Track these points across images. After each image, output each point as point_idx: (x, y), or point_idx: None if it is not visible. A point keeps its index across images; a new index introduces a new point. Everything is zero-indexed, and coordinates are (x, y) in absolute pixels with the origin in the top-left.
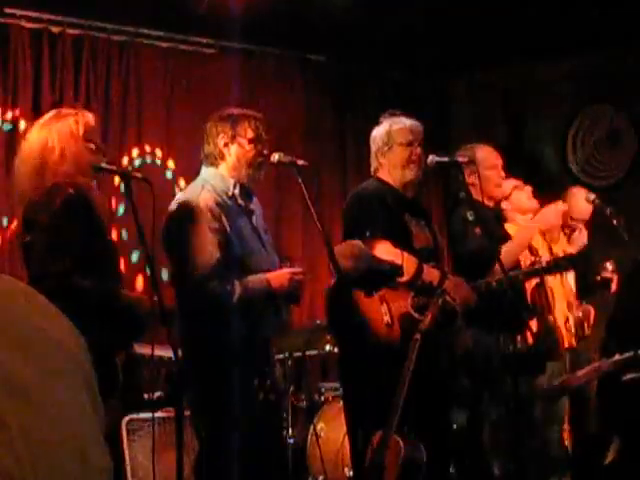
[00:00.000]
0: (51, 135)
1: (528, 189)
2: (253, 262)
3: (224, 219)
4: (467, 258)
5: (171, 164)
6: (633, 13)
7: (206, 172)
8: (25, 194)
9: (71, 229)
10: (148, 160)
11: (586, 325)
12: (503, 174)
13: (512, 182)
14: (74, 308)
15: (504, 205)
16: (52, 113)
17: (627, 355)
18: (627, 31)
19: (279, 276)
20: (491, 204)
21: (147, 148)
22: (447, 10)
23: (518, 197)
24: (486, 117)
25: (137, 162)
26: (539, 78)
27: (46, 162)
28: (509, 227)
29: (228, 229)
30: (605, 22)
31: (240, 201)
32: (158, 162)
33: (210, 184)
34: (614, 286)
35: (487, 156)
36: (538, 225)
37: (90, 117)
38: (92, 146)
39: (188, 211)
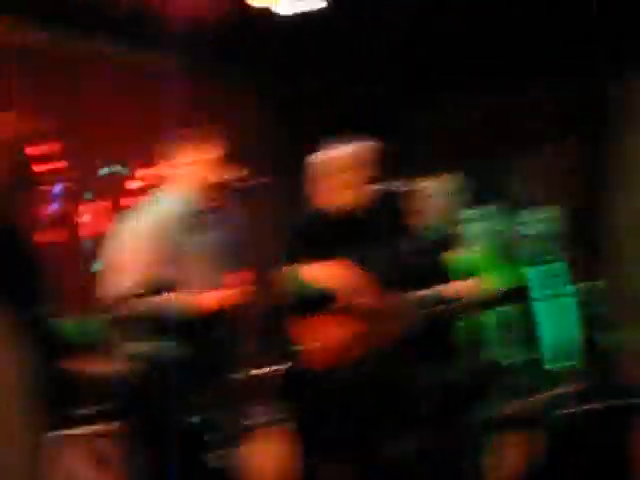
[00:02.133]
0: None
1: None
2: (189, 281)
3: (163, 240)
4: (400, 283)
5: None
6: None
7: (161, 191)
8: None
9: (8, 266)
10: None
11: None
12: (447, 204)
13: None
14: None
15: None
16: None
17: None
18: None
19: (209, 297)
20: (433, 232)
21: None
22: (407, 41)
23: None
24: (441, 149)
25: None
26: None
27: None
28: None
29: (172, 246)
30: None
31: (194, 219)
32: None
33: (160, 202)
34: None
35: (430, 187)
36: None
37: (15, 122)
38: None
39: (127, 229)
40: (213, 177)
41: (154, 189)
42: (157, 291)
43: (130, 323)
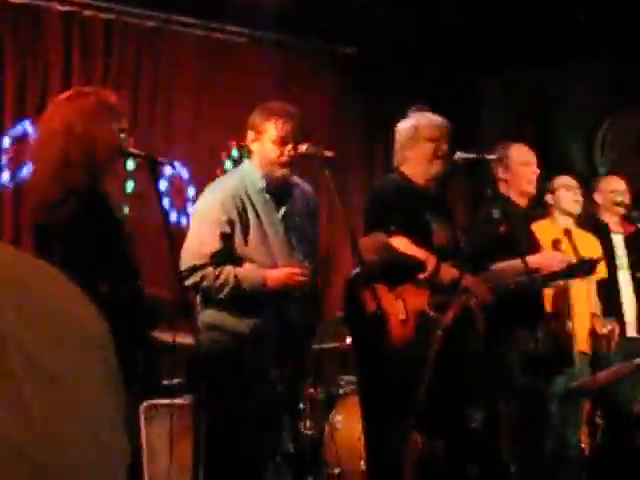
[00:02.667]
0: (73, 115)
1: (577, 193)
2: (259, 256)
3: (235, 213)
4: (485, 255)
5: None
6: None
7: (245, 162)
8: (42, 190)
9: (88, 238)
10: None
11: (612, 342)
12: (537, 171)
13: (563, 179)
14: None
15: (547, 198)
16: (73, 91)
17: None
18: None
19: (277, 274)
20: (523, 200)
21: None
22: (480, 8)
23: (564, 196)
24: (515, 117)
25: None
26: (569, 77)
27: (67, 152)
28: (541, 224)
29: (237, 222)
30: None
31: (267, 196)
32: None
33: (242, 174)
34: None
35: (521, 153)
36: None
37: (113, 97)
38: (118, 128)
39: (204, 200)
40: (291, 151)
41: (235, 162)
42: (227, 262)
43: (204, 292)
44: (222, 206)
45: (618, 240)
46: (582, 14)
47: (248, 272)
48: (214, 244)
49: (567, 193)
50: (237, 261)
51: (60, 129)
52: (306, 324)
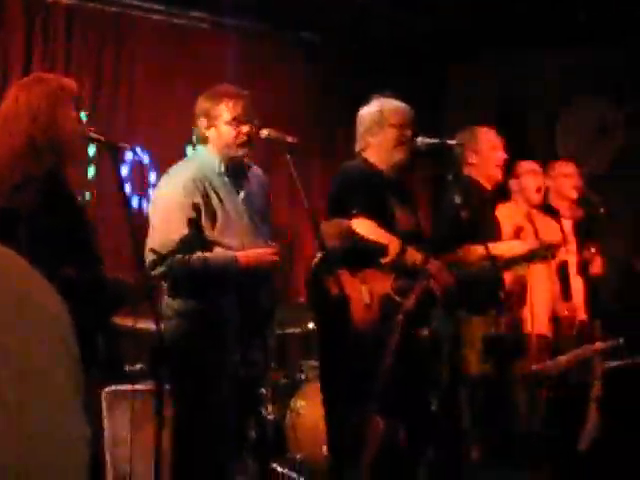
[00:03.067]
0: (35, 101)
1: (540, 180)
2: (227, 240)
3: (199, 196)
4: (448, 240)
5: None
6: (634, 7)
7: (197, 148)
8: (3, 174)
9: (50, 223)
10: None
11: (571, 322)
12: (505, 155)
13: (530, 165)
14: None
15: (511, 183)
16: (32, 76)
17: (610, 343)
18: (626, 24)
19: (248, 254)
20: (489, 184)
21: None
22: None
23: (527, 182)
24: (478, 102)
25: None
26: (535, 64)
27: (33, 139)
28: (504, 208)
29: (202, 206)
30: (606, 13)
31: (227, 179)
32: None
33: (198, 161)
34: (596, 268)
35: (489, 137)
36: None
37: (73, 83)
38: (79, 114)
39: (164, 187)
40: (244, 138)
41: (193, 147)
42: (195, 247)
43: (174, 280)
44: (185, 190)
45: (567, 225)
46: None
47: (218, 254)
48: (181, 229)
49: (531, 178)
50: (206, 246)
51: (25, 112)
52: (268, 308)
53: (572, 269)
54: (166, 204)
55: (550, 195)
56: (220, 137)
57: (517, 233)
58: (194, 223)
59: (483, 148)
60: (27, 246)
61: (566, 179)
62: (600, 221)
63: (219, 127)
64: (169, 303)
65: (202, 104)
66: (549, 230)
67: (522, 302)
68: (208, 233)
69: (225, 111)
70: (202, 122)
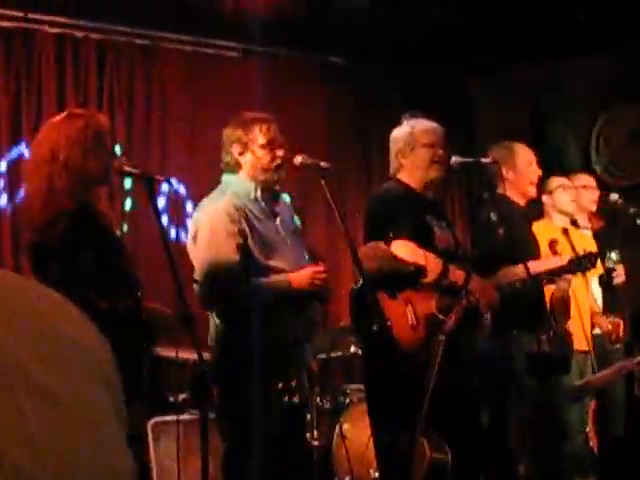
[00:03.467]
0: (59, 140)
1: (573, 192)
2: (276, 264)
3: (244, 223)
4: (487, 259)
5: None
6: None
7: (228, 178)
8: (33, 212)
9: (82, 257)
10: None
11: (614, 337)
12: (539, 171)
13: (559, 180)
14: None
15: (544, 199)
16: (65, 114)
17: None
18: None
19: (301, 275)
20: (523, 201)
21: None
22: (468, 10)
23: (561, 197)
24: (509, 117)
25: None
26: (563, 77)
27: (52, 179)
28: (539, 224)
29: (248, 233)
30: (630, 20)
31: (263, 204)
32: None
33: (232, 189)
34: (620, 277)
35: (525, 153)
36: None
37: (103, 118)
38: (108, 149)
39: (208, 216)
40: (279, 161)
41: (226, 174)
42: (248, 273)
43: (226, 308)
44: (229, 217)
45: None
46: (582, 14)
47: (273, 279)
48: (232, 256)
49: (564, 193)
50: (259, 271)
51: (46, 156)
52: (309, 333)
53: (594, 280)
54: (212, 233)
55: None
56: (256, 161)
57: (552, 247)
58: (242, 249)
59: (520, 164)
60: (58, 280)
61: (585, 191)
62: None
63: (255, 151)
64: (214, 332)
65: (233, 131)
66: (585, 245)
67: (566, 317)
68: (257, 259)
69: (260, 135)
70: (235, 149)
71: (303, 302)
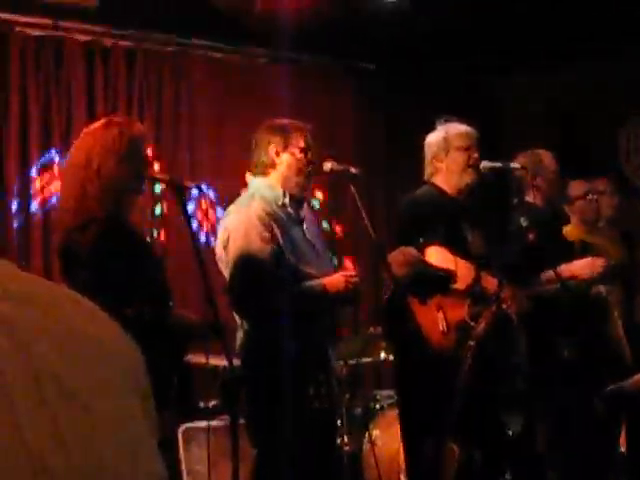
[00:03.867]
0: (94, 147)
1: (594, 201)
2: (307, 269)
3: (275, 228)
4: (517, 265)
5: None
6: None
7: (256, 182)
8: (65, 216)
9: (110, 264)
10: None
11: None
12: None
13: (583, 186)
14: None
15: (566, 207)
16: (102, 121)
17: None
18: None
19: (334, 280)
20: (549, 208)
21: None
22: (494, 13)
23: (581, 204)
24: (536, 119)
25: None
26: (591, 79)
27: (84, 185)
28: (567, 229)
29: (280, 238)
30: None
31: (291, 210)
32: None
33: (260, 194)
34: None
35: (551, 162)
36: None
37: (137, 126)
38: (141, 156)
39: (240, 221)
40: (312, 167)
41: (255, 178)
42: (277, 280)
43: (261, 313)
44: (260, 222)
45: None
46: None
47: (309, 284)
48: (267, 262)
49: (583, 201)
50: (297, 274)
51: (81, 162)
52: (332, 338)
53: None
54: (246, 239)
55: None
56: (293, 162)
57: (582, 249)
58: (276, 255)
59: (548, 172)
60: (87, 286)
61: (601, 197)
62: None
63: (294, 153)
64: (244, 338)
65: (271, 132)
66: (609, 252)
67: (602, 323)
68: (292, 263)
69: (300, 139)
70: (272, 148)
71: (334, 306)
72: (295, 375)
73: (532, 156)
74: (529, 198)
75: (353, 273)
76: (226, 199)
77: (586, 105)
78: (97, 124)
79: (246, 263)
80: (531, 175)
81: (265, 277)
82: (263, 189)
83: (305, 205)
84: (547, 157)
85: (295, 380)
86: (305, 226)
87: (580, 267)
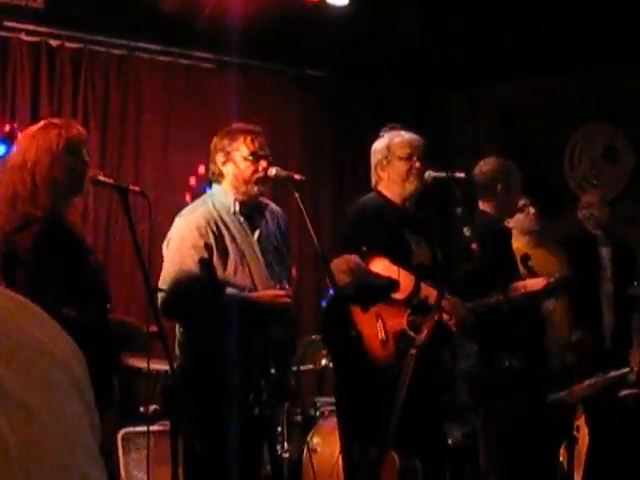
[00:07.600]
0: (30, 151)
1: (532, 211)
2: (238, 279)
3: (212, 237)
4: (466, 277)
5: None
6: (633, 31)
7: (213, 188)
8: (2, 218)
9: (49, 263)
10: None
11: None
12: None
13: (521, 199)
14: None
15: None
16: (42, 123)
17: (623, 371)
18: (626, 48)
19: (260, 296)
20: (508, 220)
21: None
22: (446, 26)
23: (519, 217)
24: (486, 133)
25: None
26: (539, 94)
27: (15, 186)
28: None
29: (214, 246)
30: (605, 39)
31: (242, 219)
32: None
33: (212, 200)
34: None
35: (517, 169)
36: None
37: (77, 129)
38: (82, 160)
39: (178, 227)
40: (262, 173)
41: (208, 185)
42: (207, 287)
43: (188, 318)
44: (198, 231)
45: (605, 253)
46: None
47: (231, 294)
48: (193, 269)
49: (520, 215)
50: (218, 285)
51: (16, 164)
52: (284, 347)
53: (608, 297)
54: (178, 245)
55: (587, 223)
56: (238, 172)
57: (524, 262)
58: (205, 263)
59: (513, 184)
60: (25, 287)
61: (602, 207)
62: None
63: (237, 162)
64: (181, 343)
65: (219, 141)
66: (549, 265)
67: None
68: (220, 274)
69: (243, 146)
70: (219, 158)
71: (264, 321)
72: (229, 381)
73: (499, 163)
74: (484, 206)
75: (282, 292)
76: (170, 204)
77: (536, 119)
78: (36, 126)
79: (174, 269)
80: (494, 182)
81: (187, 283)
82: (218, 195)
83: (271, 212)
84: (514, 169)
85: (235, 386)
86: (257, 235)
87: (531, 284)
